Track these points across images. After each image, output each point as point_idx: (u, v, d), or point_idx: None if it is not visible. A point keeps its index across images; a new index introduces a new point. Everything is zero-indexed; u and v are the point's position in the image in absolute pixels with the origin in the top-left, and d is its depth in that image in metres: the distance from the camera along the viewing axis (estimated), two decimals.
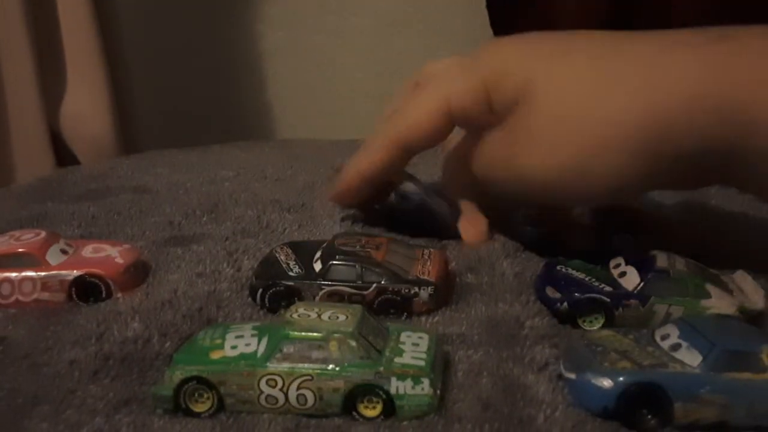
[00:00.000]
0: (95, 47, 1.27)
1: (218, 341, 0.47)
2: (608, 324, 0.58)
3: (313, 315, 0.46)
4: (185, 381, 0.45)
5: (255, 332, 0.47)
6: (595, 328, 0.58)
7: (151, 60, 1.59)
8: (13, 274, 0.62)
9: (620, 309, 0.57)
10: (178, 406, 0.45)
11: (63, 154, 1.24)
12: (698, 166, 0.54)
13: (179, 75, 1.60)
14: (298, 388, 0.43)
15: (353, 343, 0.43)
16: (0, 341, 0.56)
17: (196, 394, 0.45)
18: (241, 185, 0.99)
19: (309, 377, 0.43)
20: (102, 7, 1.28)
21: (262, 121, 1.62)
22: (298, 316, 0.46)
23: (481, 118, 0.59)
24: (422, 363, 0.45)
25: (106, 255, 0.65)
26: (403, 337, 0.48)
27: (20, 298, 0.62)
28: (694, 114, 0.50)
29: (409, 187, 0.72)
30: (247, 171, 1.07)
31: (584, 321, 0.58)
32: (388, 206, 0.76)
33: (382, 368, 0.44)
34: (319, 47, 1.57)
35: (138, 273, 0.66)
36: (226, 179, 1.02)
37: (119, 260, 0.65)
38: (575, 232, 0.71)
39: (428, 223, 0.71)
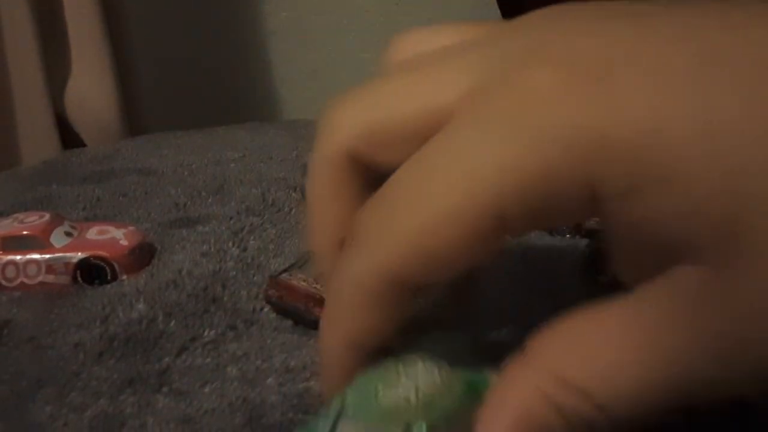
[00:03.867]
0: (99, 29, 1.26)
1: None
2: (616, 278, 0.57)
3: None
4: None
5: None
6: (605, 279, 0.57)
7: (156, 42, 1.58)
8: (18, 257, 0.62)
9: None
10: None
11: (68, 137, 1.24)
12: None
13: (184, 57, 1.59)
14: None
15: None
16: (5, 324, 0.56)
17: None
18: (247, 166, 0.98)
19: None
20: None
21: (267, 103, 1.61)
22: None
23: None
24: None
25: (111, 237, 0.65)
26: None
27: (25, 280, 0.62)
28: None
29: None
30: (253, 152, 1.06)
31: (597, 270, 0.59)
32: None
33: None
34: (324, 27, 1.56)
35: (143, 255, 0.66)
36: (232, 160, 1.02)
37: (124, 242, 0.64)
38: None
39: None
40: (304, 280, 0.56)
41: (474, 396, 0.35)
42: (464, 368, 0.36)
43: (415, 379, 0.35)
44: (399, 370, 0.36)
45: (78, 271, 0.62)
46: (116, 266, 0.62)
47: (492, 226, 0.25)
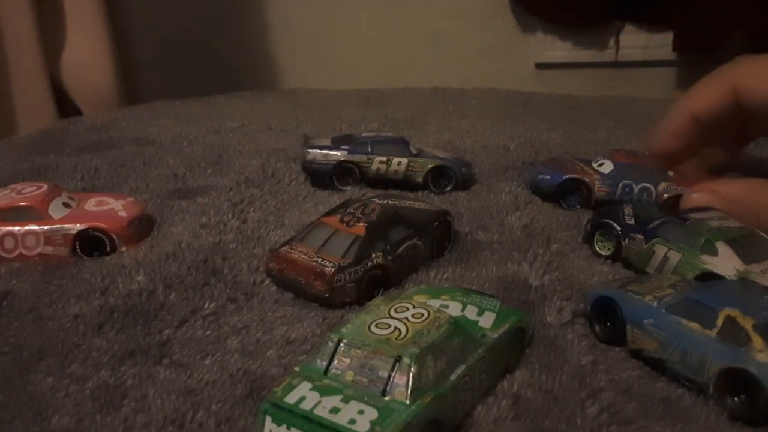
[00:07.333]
0: None
1: None
2: (616, 253, 0.60)
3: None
4: None
5: None
6: (605, 253, 0.61)
7: (153, 8, 1.55)
8: (16, 228, 0.61)
9: (627, 240, 0.60)
10: None
11: (65, 105, 1.23)
12: None
13: (182, 23, 1.57)
14: None
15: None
16: (4, 295, 0.55)
17: None
18: (246, 136, 0.97)
19: None
20: None
21: (266, 71, 1.59)
22: None
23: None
24: None
25: (110, 208, 0.64)
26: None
27: (24, 252, 0.61)
28: None
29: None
30: (252, 122, 1.05)
31: (597, 242, 0.62)
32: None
33: None
34: None
35: (142, 226, 0.65)
36: (231, 130, 1.01)
37: (123, 213, 0.64)
38: None
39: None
40: (305, 253, 0.56)
41: (458, 331, 0.42)
42: (452, 310, 0.45)
43: (405, 318, 0.41)
44: (390, 311, 0.42)
45: (77, 243, 0.61)
46: (115, 238, 0.62)
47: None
